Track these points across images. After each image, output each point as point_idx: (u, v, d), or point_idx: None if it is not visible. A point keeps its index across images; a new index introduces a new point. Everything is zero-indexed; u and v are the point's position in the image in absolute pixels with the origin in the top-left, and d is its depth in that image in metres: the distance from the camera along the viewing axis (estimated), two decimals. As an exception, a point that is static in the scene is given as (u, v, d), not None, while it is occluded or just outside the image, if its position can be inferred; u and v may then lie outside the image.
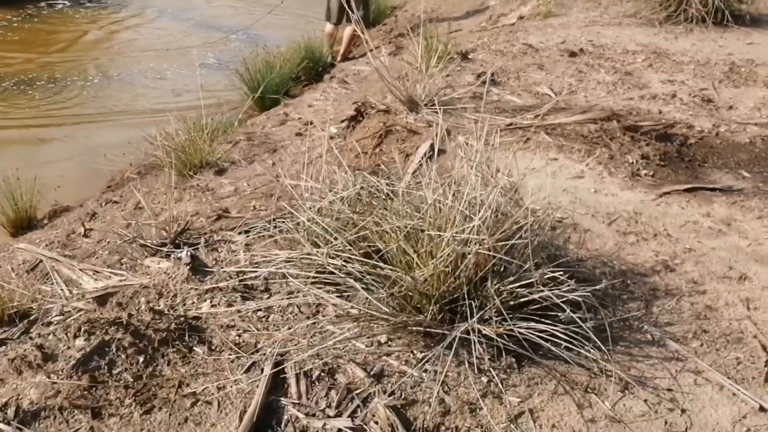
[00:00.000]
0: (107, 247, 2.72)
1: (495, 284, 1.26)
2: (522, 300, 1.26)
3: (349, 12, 6.55)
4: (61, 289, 1.79)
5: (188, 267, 1.73)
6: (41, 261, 2.65)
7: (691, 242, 1.63)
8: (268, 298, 1.56)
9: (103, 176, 4.98)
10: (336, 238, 1.41)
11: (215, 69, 7.71)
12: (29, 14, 10.14)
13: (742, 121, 2.37)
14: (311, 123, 4.11)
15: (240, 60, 7.21)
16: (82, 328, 1.46)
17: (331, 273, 1.41)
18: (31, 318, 1.61)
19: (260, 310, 1.51)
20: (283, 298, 1.53)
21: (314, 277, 1.49)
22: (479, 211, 1.28)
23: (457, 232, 1.26)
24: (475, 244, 1.23)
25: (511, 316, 1.23)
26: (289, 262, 1.58)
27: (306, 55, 6.42)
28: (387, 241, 1.38)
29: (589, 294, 1.27)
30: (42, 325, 1.56)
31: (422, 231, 1.33)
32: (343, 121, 2.52)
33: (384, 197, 1.54)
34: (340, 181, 1.61)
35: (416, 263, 1.30)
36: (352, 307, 1.38)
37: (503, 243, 1.29)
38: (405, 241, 1.34)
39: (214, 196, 3.03)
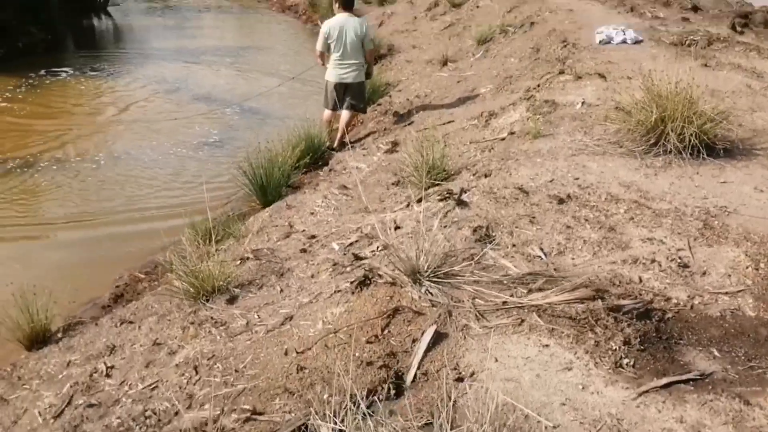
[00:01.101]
0: (130, 394, 2.92)
1: None
2: None
3: (345, 101, 6.90)
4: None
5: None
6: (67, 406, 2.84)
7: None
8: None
9: (110, 272, 5.22)
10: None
11: (217, 147, 7.98)
12: (31, 84, 10.44)
13: (714, 290, 2.62)
14: (314, 238, 4.35)
15: (241, 140, 7.53)
16: None
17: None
18: None
19: None
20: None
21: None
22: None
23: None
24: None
25: None
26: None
27: (306, 143, 6.73)
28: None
29: None
30: None
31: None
32: (352, 283, 2.73)
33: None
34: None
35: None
36: None
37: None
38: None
39: (228, 332, 3.23)
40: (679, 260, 2.78)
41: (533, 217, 3.08)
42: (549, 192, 3.37)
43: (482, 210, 3.23)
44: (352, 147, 7.19)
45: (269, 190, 5.86)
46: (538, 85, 6.03)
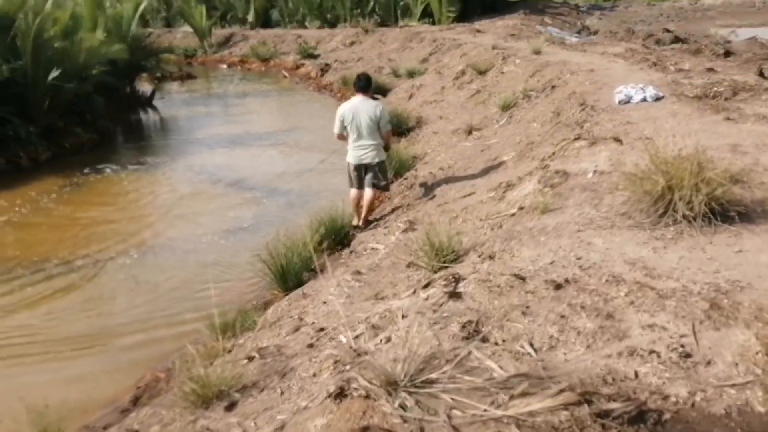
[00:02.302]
0: None
1: None
2: None
3: (367, 180, 6.91)
4: None
5: None
6: None
7: None
8: None
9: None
10: None
11: (250, 233, 8.02)
12: (76, 183, 10.86)
13: (719, 382, 2.40)
14: (323, 330, 4.27)
15: (273, 224, 7.56)
16: None
17: None
18: None
19: None
20: None
21: None
22: None
23: None
24: None
25: None
26: None
27: (328, 226, 6.73)
28: None
29: None
30: None
31: None
32: (331, 399, 2.61)
33: None
34: None
35: None
36: None
37: None
38: None
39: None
40: (681, 349, 2.57)
41: (527, 307, 2.93)
42: (547, 276, 3.22)
43: (475, 302, 3.09)
44: (375, 225, 7.17)
45: (289, 277, 5.84)
46: (553, 153, 5.92)
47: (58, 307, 6.32)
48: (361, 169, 7.17)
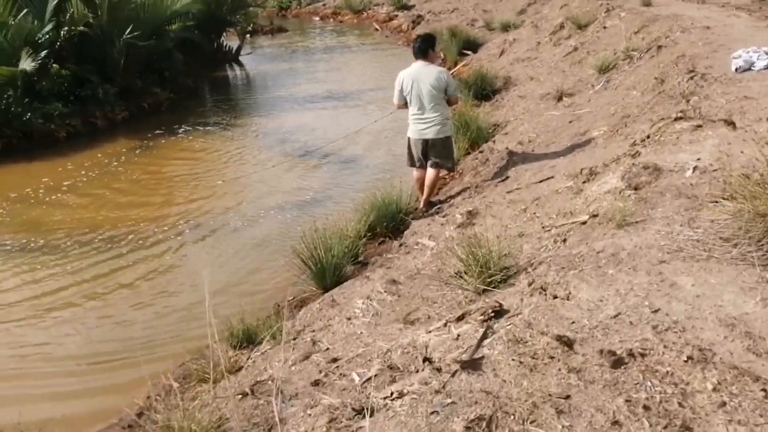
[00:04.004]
0: None
1: None
2: None
3: (429, 158, 6.04)
4: None
5: None
6: None
7: None
8: None
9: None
10: None
11: (312, 207, 7.37)
12: (147, 145, 10.58)
13: None
14: (336, 361, 3.54)
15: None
16: None
17: None
18: None
19: None
20: None
21: None
22: None
23: None
24: None
25: None
26: None
27: (381, 210, 5.98)
28: None
29: None
30: None
31: None
32: None
33: None
34: None
35: None
36: None
37: None
38: None
39: None
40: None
41: (566, 398, 2.05)
42: (605, 342, 2.31)
43: (497, 378, 2.25)
44: (438, 209, 6.33)
45: (327, 274, 5.13)
46: (648, 137, 4.82)
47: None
48: (423, 145, 6.30)
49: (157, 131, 11.17)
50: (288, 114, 12.08)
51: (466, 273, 3.65)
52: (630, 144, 4.88)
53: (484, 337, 2.63)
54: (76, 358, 4.96)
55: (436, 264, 4.45)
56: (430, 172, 6.37)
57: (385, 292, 4.16)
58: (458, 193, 6.59)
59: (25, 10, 10.69)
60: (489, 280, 3.52)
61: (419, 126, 6.21)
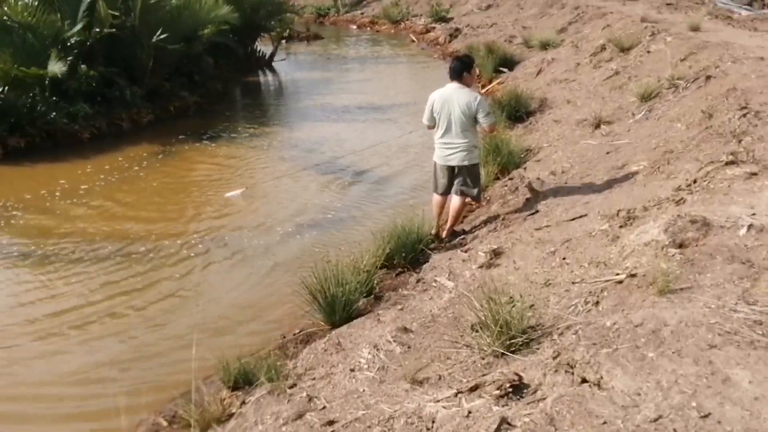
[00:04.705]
0: None
1: None
2: None
3: (455, 185, 5.66)
4: None
5: None
6: None
7: None
8: None
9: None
10: None
11: (331, 227, 7.04)
12: (169, 151, 10.35)
13: None
14: (331, 425, 3.18)
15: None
16: None
17: None
18: None
19: None
20: None
21: None
22: None
23: None
24: None
25: None
26: None
27: (402, 239, 5.61)
28: None
29: None
30: None
31: None
32: None
33: None
34: None
35: None
36: None
37: None
38: None
39: None
40: None
41: None
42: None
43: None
44: (461, 240, 5.94)
45: (337, 309, 4.78)
46: (694, 181, 4.37)
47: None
48: (449, 172, 5.92)
49: (182, 136, 10.95)
50: (316, 124, 11.78)
51: (483, 328, 3.26)
52: (674, 188, 4.44)
53: (515, 390, 2.24)
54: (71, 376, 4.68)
55: (452, 310, 4.06)
56: (456, 200, 5.99)
57: (394, 341, 3.78)
58: (484, 224, 6.19)
59: (55, 10, 10.58)
60: (509, 342, 3.13)
61: (445, 151, 5.85)
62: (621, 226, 4.47)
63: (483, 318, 3.25)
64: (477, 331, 3.49)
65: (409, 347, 3.72)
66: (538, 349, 2.99)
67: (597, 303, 3.19)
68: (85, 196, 8.36)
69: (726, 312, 2.66)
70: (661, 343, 2.52)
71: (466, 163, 5.79)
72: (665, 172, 5.49)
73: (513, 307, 3.12)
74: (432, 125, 5.96)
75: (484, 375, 2.89)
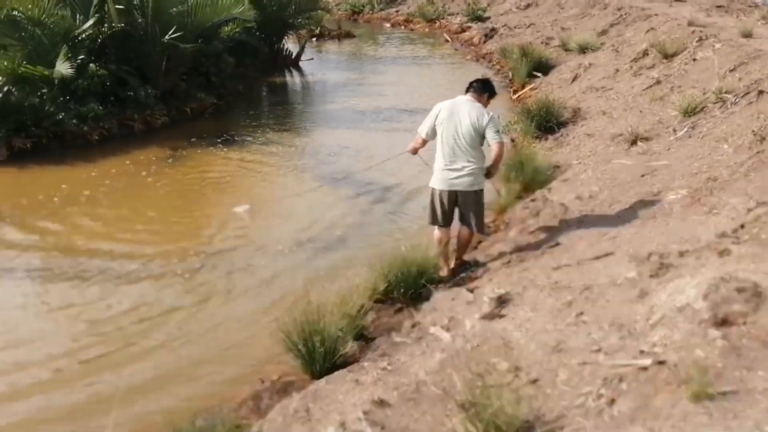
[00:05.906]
0: None
1: None
2: None
3: (467, 219, 4.97)
4: None
5: None
6: None
7: None
8: None
9: None
10: None
11: (337, 248, 6.50)
12: (179, 155, 9.85)
13: None
14: None
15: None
16: None
17: None
18: None
19: None
20: None
21: None
22: None
23: None
24: None
25: None
26: None
27: (404, 273, 4.97)
28: None
29: None
30: None
31: None
32: None
33: None
34: None
35: None
36: None
37: None
38: None
39: None
40: None
41: None
42: None
43: None
44: (470, 274, 5.27)
45: (317, 358, 4.16)
46: (742, 226, 3.63)
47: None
48: (451, 199, 5.21)
49: (195, 139, 10.44)
50: (340, 129, 11.13)
51: (472, 420, 2.61)
52: (717, 232, 3.70)
53: None
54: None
55: (442, 377, 3.40)
56: (464, 230, 5.31)
57: (366, 420, 3.13)
58: (498, 255, 5.50)
59: (66, 5, 10.18)
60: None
61: (448, 174, 5.14)
62: (651, 276, 3.76)
63: (471, 417, 2.59)
64: (466, 411, 2.84)
65: (382, 428, 3.07)
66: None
67: (612, 401, 2.49)
68: (85, 203, 7.92)
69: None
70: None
71: (474, 188, 5.11)
72: (707, 204, 4.75)
73: (504, 404, 2.46)
74: (430, 138, 5.30)
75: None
